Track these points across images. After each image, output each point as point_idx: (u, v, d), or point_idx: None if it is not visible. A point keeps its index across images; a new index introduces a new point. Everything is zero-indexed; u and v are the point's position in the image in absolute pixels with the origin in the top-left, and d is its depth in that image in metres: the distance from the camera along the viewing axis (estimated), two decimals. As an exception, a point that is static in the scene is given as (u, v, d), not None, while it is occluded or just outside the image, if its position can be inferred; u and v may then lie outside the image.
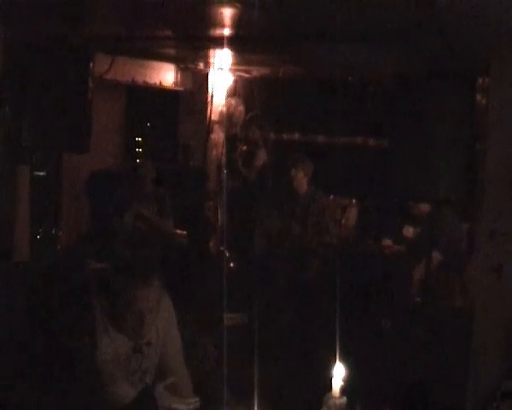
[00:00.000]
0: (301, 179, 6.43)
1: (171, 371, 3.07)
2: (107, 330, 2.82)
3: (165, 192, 6.48)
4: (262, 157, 7.22)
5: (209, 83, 8.03)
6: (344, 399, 2.50)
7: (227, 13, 4.08)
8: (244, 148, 7.34)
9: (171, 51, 6.70)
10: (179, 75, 7.80)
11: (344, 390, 2.51)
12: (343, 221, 7.02)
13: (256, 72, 7.72)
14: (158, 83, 7.55)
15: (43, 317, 2.58)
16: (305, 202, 6.43)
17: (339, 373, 2.51)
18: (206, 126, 8.06)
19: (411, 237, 5.83)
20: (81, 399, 2.74)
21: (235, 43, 5.31)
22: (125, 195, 6.31)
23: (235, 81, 8.07)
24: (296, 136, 8.07)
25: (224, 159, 7.47)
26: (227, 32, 4.83)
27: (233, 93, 8.07)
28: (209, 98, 8.06)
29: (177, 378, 3.07)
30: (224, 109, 7.95)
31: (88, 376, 2.71)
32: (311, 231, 6.31)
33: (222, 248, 7.29)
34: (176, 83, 7.80)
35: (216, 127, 8.15)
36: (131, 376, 2.91)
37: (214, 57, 6.95)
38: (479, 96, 4.09)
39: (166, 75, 7.67)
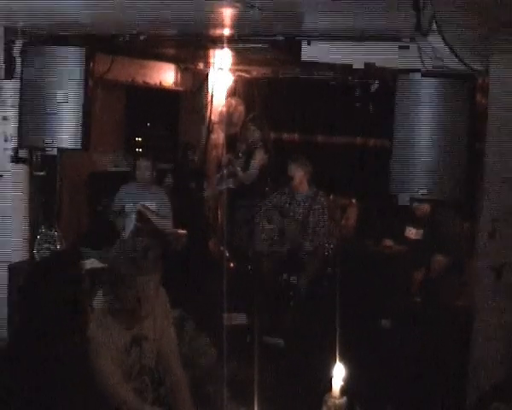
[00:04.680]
0: (301, 179, 6.43)
1: (167, 370, 3.08)
2: (104, 322, 2.84)
3: (165, 192, 6.48)
4: (260, 158, 7.22)
5: (209, 83, 8.04)
6: (344, 399, 2.50)
7: (227, 13, 4.08)
8: (243, 148, 7.33)
9: (171, 51, 6.70)
10: (179, 75, 7.80)
11: (344, 390, 2.51)
12: (343, 221, 7.02)
13: (256, 72, 7.72)
14: (158, 83, 7.54)
15: (41, 316, 2.58)
16: (305, 202, 6.43)
17: (339, 373, 2.51)
18: (206, 126, 8.07)
19: (413, 238, 5.83)
20: (80, 393, 2.74)
21: (235, 43, 5.31)
22: (124, 194, 6.31)
23: (235, 81, 8.07)
24: (296, 136, 8.08)
25: (224, 159, 7.46)
26: (227, 32, 4.82)
27: (233, 93, 8.08)
28: (209, 98, 8.07)
29: (173, 378, 3.08)
30: (224, 109, 7.94)
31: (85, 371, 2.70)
32: (311, 231, 6.31)
33: (222, 248, 7.29)
34: (176, 83, 7.80)
35: (216, 127, 8.15)
36: (130, 369, 2.92)
37: (214, 57, 6.95)
38: (479, 96, 4.09)
39: (166, 75, 7.67)
